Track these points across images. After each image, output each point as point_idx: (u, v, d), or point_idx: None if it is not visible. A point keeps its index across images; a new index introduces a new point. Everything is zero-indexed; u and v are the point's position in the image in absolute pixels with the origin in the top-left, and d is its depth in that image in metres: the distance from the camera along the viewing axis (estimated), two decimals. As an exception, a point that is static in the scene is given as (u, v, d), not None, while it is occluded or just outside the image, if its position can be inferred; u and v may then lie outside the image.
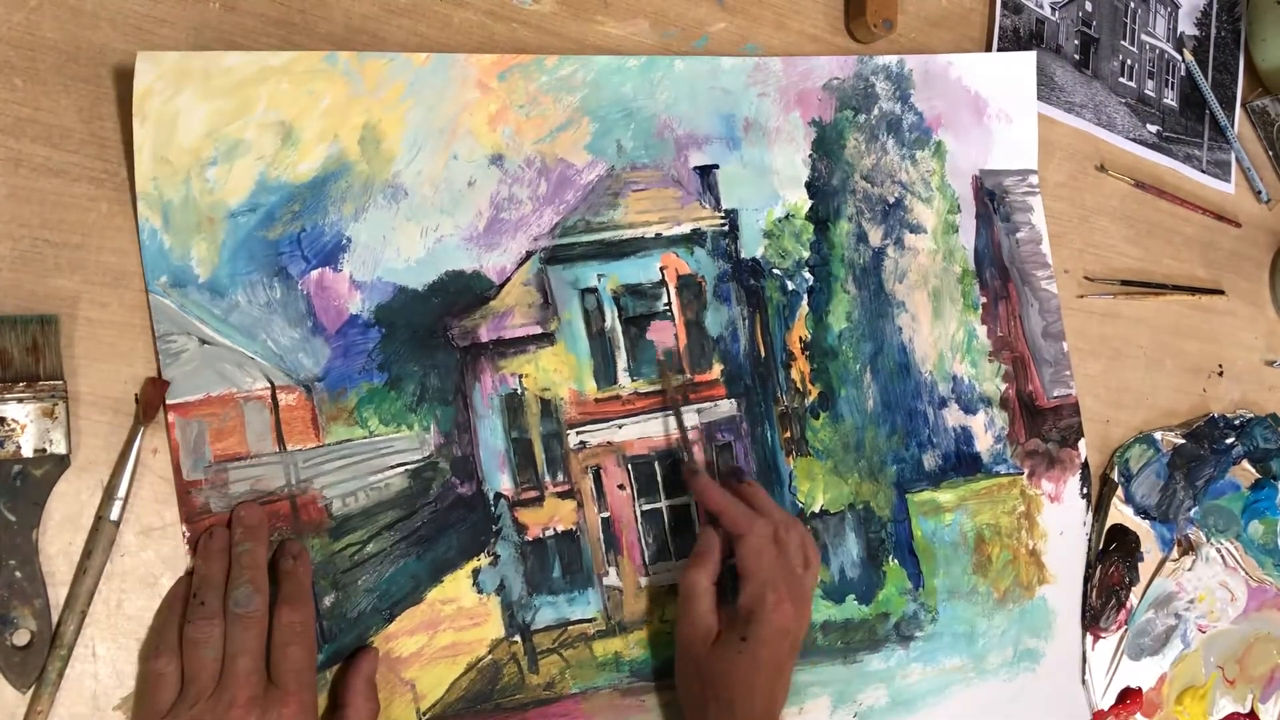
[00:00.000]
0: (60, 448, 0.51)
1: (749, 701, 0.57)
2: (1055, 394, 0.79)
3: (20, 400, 0.50)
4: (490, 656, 0.59)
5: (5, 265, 0.51)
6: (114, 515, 0.51)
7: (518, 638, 0.60)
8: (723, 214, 0.68)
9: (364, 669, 0.55)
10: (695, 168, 0.68)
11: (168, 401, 0.53)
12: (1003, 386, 0.77)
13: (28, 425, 0.50)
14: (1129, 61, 0.88)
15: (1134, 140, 0.88)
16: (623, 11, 0.67)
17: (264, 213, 0.56)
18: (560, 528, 0.62)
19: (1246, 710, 0.87)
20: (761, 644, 0.57)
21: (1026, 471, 0.77)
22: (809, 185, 0.71)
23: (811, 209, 0.71)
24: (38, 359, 0.51)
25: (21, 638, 0.49)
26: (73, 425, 0.52)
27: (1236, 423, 0.87)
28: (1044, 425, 0.78)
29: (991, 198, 0.78)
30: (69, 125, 0.53)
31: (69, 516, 0.51)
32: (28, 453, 0.50)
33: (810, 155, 0.72)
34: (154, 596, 0.53)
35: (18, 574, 0.49)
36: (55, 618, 0.50)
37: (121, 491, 0.52)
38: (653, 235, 0.66)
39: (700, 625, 0.58)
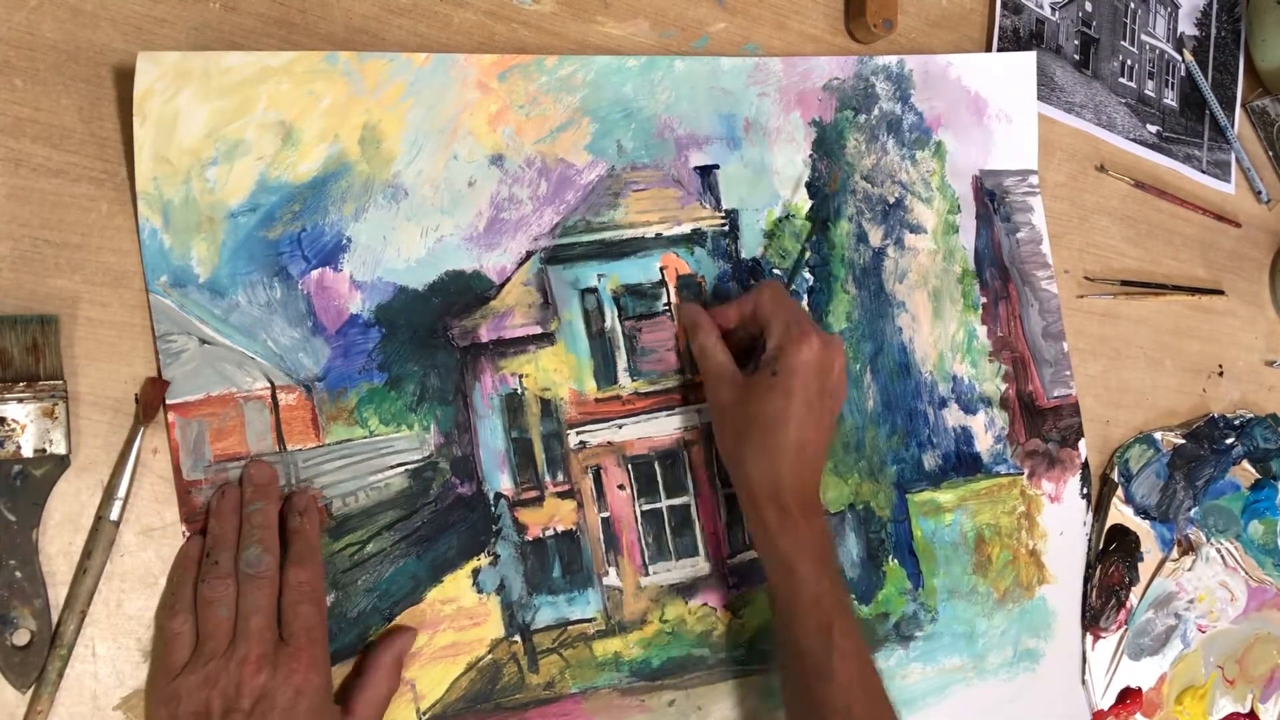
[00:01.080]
0: (60, 448, 0.51)
1: (784, 430, 0.58)
2: (1055, 394, 0.79)
3: (20, 400, 0.50)
4: (490, 656, 0.59)
5: (5, 265, 0.51)
6: (114, 515, 0.51)
7: (518, 637, 0.60)
8: (723, 214, 0.68)
9: (397, 645, 0.55)
10: (695, 168, 0.68)
11: (168, 401, 0.53)
12: (1003, 386, 0.77)
13: (28, 425, 0.50)
14: (1129, 61, 0.88)
15: (1134, 140, 0.88)
16: (623, 11, 0.67)
17: (264, 213, 0.56)
18: (560, 528, 0.62)
19: (1246, 710, 0.87)
20: (792, 374, 0.58)
21: (1026, 471, 0.77)
22: (809, 185, 0.71)
23: (811, 209, 0.71)
24: (38, 359, 0.51)
25: (21, 638, 0.49)
26: (73, 425, 0.52)
27: (1236, 423, 0.87)
28: (1044, 425, 0.78)
29: (991, 198, 0.78)
30: (69, 125, 0.53)
31: (69, 516, 0.51)
32: (28, 453, 0.50)
33: (810, 155, 0.72)
34: (154, 596, 0.53)
35: (18, 574, 0.50)
36: (55, 618, 0.50)
37: (121, 491, 0.52)
38: (653, 235, 0.66)
39: (725, 375, 0.60)
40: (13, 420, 0.50)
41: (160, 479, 0.53)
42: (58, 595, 0.51)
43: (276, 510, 0.53)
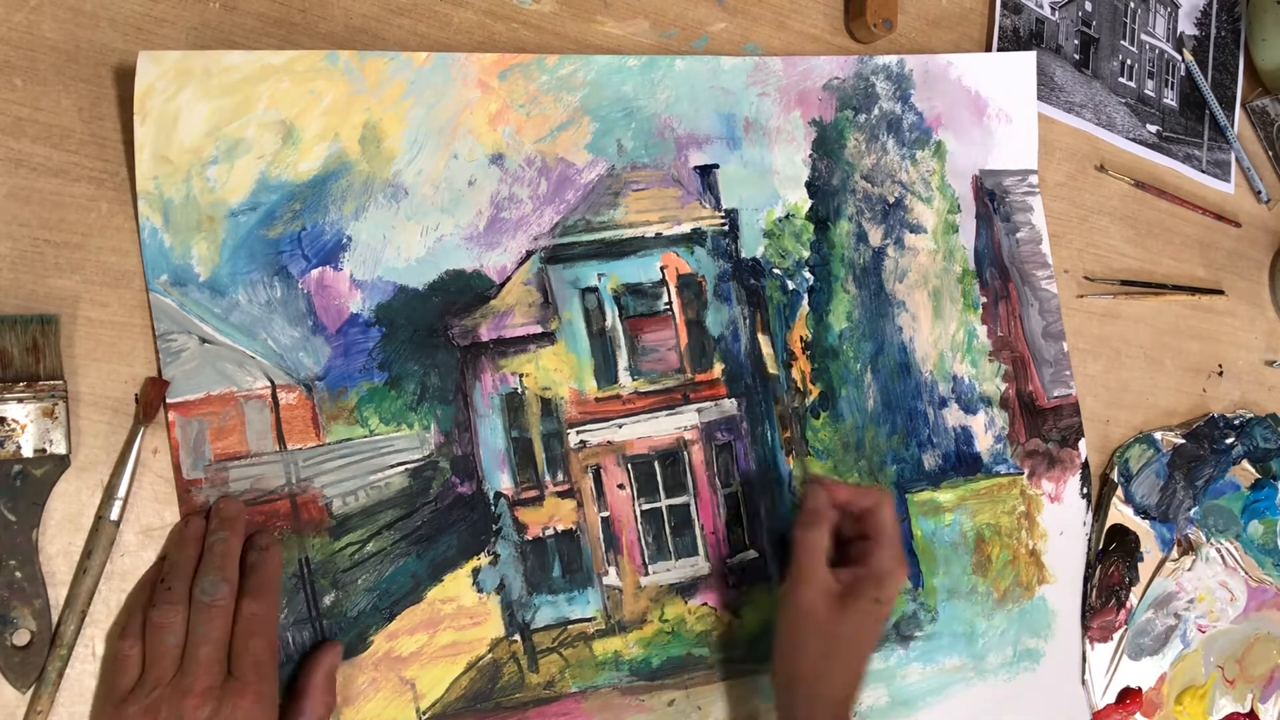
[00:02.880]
0: (60, 448, 0.51)
1: (867, 653, 0.60)
2: (1055, 394, 0.79)
3: (20, 400, 0.50)
4: (490, 655, 0.59)
5: (5, 265, 0.51)
6: (114, 515, 0.51)
7: (517, 637, 0.60)
8: (723, 214, 0.68)
9: (325, 663, 0.54)
10: (695, 167, 0.68)
11: (168, 400, 0.53)
12: (1003, 386, 0.77)
13: (28, 425, 0.50)
14: (1129, 61, 0.88)
15: (1134, 140, 0.88)
16: (623, 11, 0.67)
17: (264, 211, 0.56)
18: (560, 527, 0.62)
19: (1246, 710, 0.87)
20: (888, 605, 0.59)
21: (1026, 471, 0.77)
22: (809, 185, 0.71)
23: (811, 209, 0.71)
24: (38, 359, 0.51)
25: (21, 638, 0.49)
26: (73, 425, 0.52)
27: (1236, 423, 0.87)
28: (1044, 425, 0.78)
29: (991, 197, 0.78)
30: (69, 125, 0.53)
31: (69, 516, 0.51)
32: (28, 453, 0.50)
33: (810, 155, 0.72)
34: (154, 596, 0.53)
35: (18, 574, 0.49)
36: (55, 618, 0.50)
37: (121, 491, 0.52)
38: (653, 235, 0.66)
39: (821, 584, 0.59)
40: (13, 420, 0.50)
41: (160, 479, 0.53)
42: (58, 595, 0.51)
43: (240, 544, 0.53)
